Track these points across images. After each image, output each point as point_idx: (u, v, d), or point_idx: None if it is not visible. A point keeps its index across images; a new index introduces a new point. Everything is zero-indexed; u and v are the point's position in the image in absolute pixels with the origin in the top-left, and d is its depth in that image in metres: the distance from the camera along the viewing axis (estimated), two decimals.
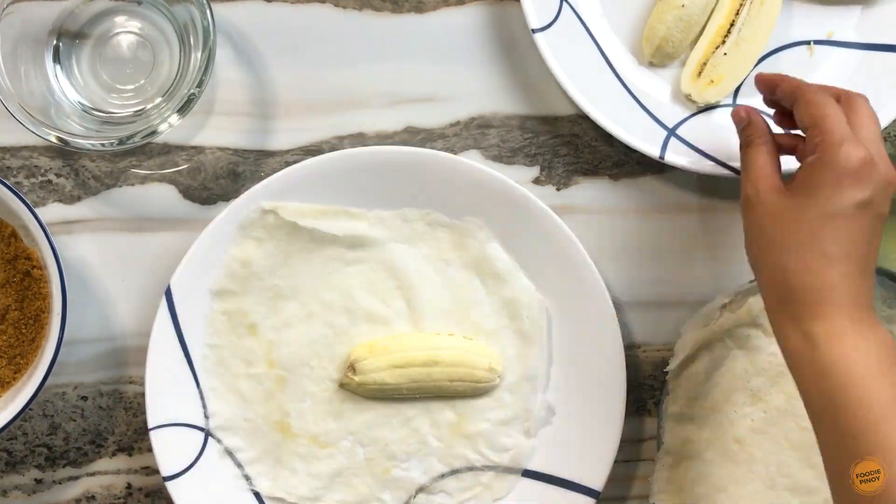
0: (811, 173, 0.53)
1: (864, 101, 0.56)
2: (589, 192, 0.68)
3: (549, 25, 0.65)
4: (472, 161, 0.65)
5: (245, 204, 0.64)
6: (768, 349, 0.66)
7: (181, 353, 0.64)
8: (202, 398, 0.65)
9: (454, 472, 0.66)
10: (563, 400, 0.66)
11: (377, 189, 0.65)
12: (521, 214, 0.65)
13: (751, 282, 0.65)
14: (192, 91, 0.60)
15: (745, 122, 0.58)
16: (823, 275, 0.51)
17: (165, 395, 0.64)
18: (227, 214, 0.64)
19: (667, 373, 0.65)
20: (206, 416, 0.65)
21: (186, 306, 0.64)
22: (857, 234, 0.52)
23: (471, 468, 0.66)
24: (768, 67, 0.67)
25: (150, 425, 0.63)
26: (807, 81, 0.57)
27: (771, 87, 0.58)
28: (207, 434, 0.65)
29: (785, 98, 0.57)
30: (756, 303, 0.65)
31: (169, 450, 0.63)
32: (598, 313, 0.64)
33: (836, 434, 0.49)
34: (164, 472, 0.63)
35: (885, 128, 0.65)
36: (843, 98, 0.56)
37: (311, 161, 0.64)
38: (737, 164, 0.64)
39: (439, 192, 0.65)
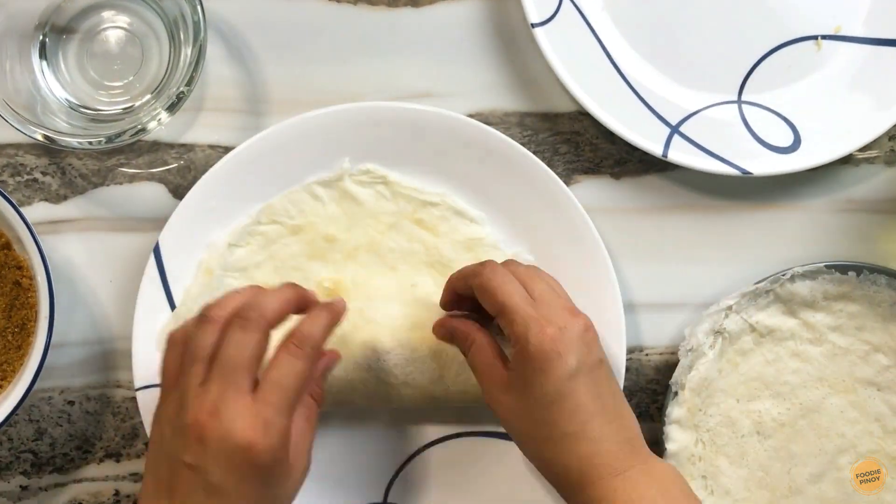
0: (518, 368, 0.55)
1: (534, 271, 0.59)
2: (590, 191, 0.67)
3: (549, 20, 0.64)
4: (474, 121, 0.64)
5: (242, 154, 0.62)
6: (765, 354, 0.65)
7: (170, 311, 0.63)
8: None
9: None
10: None
11: (364, 145, 0.64)
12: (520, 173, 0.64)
13: (756, 283, 0.64)
14: (181, 90, 0.59)
15: (449, 336, 0.60)
16: (576, 452, 0.54)
17: (152, 354, 0.62)
18: (224, 164, 0.62)
19: (671, 377, 0.64)
20: None
21: (178, 260, 0.63)
22: (587, 397, 0.54)
23: None
24: (776, 62, 0.67)
25: (136, 385, 0.62)
26: (478, 265, 0.58)
27: (455, 293, 0.60)
28: None
29: (466, 290, 0.59)
30: (760, 308, 0.64)
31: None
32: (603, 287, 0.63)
33: None
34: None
35: (894, 125, 0.64)
36: (515, 272, 0.58)
37: (305, 116, 0.63)
38: (742, 163, 0.64)
39: (436, 152, 0.64)
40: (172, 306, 0.63)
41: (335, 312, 0.56)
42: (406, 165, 0.65)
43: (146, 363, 0.62)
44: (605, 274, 0.63)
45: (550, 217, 0.63)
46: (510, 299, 0.55)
